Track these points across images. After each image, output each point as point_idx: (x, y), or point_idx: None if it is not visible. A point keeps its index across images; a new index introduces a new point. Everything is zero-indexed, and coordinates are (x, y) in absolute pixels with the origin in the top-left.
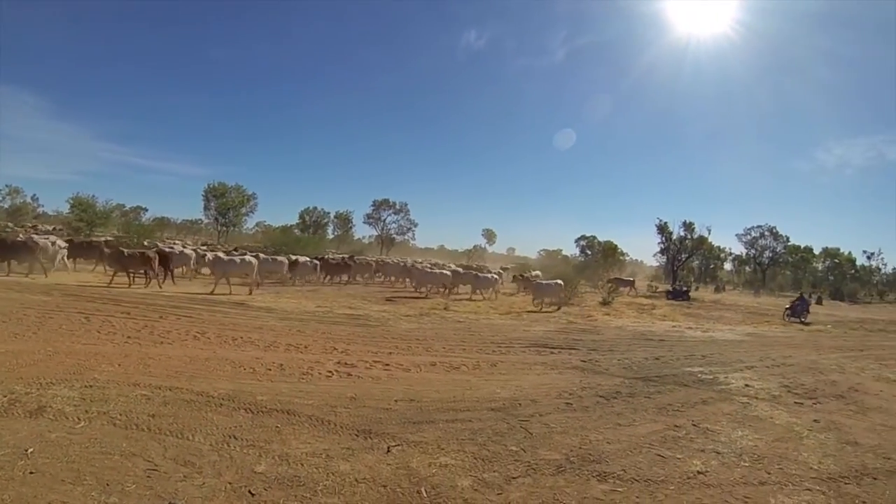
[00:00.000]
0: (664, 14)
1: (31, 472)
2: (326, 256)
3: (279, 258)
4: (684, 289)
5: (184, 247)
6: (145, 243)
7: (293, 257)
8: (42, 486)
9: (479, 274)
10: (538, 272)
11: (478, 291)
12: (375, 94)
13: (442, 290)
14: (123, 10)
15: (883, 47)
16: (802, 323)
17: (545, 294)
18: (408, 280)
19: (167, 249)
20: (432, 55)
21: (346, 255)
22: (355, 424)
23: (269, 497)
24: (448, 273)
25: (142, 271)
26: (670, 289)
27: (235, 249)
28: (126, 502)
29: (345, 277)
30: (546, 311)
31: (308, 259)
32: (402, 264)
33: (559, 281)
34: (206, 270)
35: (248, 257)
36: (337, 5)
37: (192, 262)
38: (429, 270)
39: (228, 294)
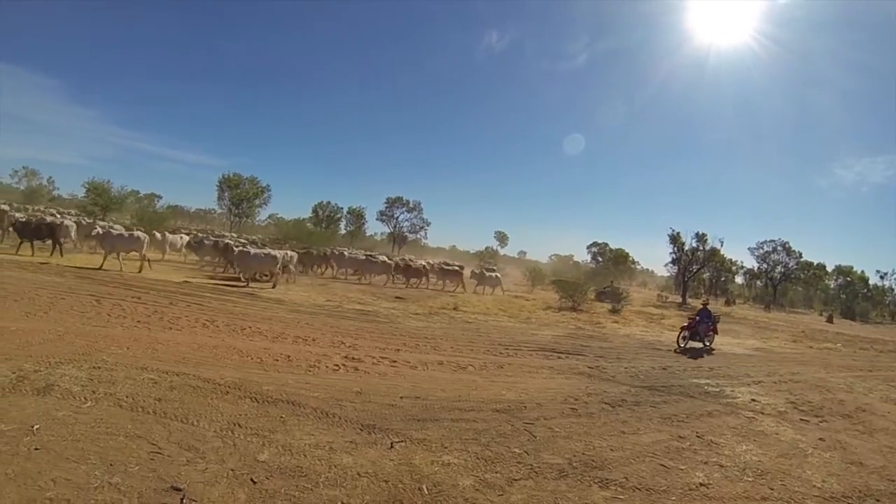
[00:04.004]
0: (686, 22)
1: (36, 449)
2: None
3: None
4: (608, 290)
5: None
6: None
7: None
8: (46, 463)
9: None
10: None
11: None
12: (393, 91)
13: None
14: None
15: None
16: (705, 348)
17: (256, 267)
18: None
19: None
20: (452, 54)
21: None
22: (360, 419)
23: (271, 486)
24: (275, 255)
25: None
26: (601, 290)
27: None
28: (129, 483)
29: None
30: (556, 317)
31: (212, 243)
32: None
33: (274, 253)
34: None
35: (136, 233)
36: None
37: (72, 233)
38: (252, 251)
39: (119, 270)
